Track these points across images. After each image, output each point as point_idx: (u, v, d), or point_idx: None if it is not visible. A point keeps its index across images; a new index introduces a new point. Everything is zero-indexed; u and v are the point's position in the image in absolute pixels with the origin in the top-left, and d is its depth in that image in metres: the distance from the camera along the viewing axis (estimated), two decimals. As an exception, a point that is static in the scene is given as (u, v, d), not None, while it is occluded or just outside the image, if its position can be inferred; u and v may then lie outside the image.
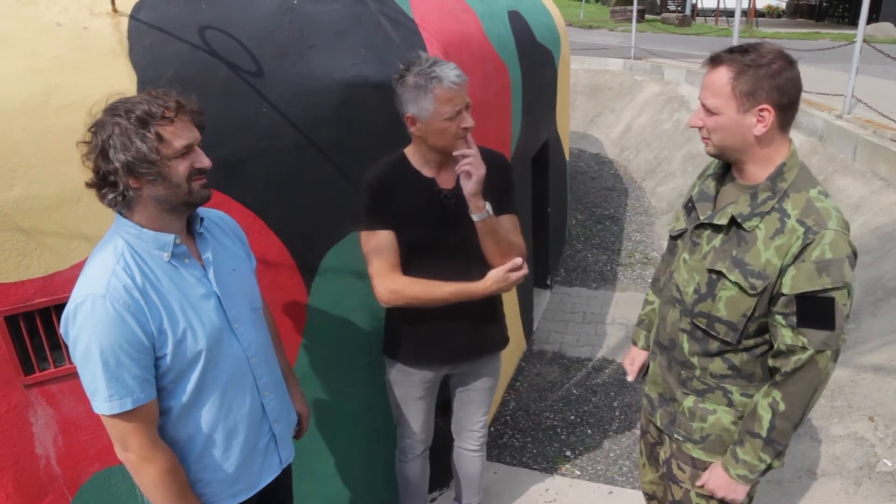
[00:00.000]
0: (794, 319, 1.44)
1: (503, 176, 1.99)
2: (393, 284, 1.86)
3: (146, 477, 1.46)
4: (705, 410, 1.66)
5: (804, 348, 1.43)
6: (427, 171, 1.90)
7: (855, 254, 1.45)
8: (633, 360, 2.04)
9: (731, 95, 1.44)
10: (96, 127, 1.36)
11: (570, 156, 8.42)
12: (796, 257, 1.42)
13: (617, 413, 3.47)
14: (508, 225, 1.94)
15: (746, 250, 1.50)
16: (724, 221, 1.55)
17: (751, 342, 1.56)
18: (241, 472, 1.65)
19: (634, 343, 2.05)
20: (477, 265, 1.89)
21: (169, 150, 1.37)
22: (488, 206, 1.80)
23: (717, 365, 1.62)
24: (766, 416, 1.52)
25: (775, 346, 1.49)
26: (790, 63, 1.44)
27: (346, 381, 2.33)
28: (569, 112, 5.81)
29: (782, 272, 1.44)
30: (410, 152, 1.92)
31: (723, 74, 1.45)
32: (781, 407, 1.49)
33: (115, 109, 1.36)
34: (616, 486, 2.90)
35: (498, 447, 3.21)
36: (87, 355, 1.36)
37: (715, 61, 1.48)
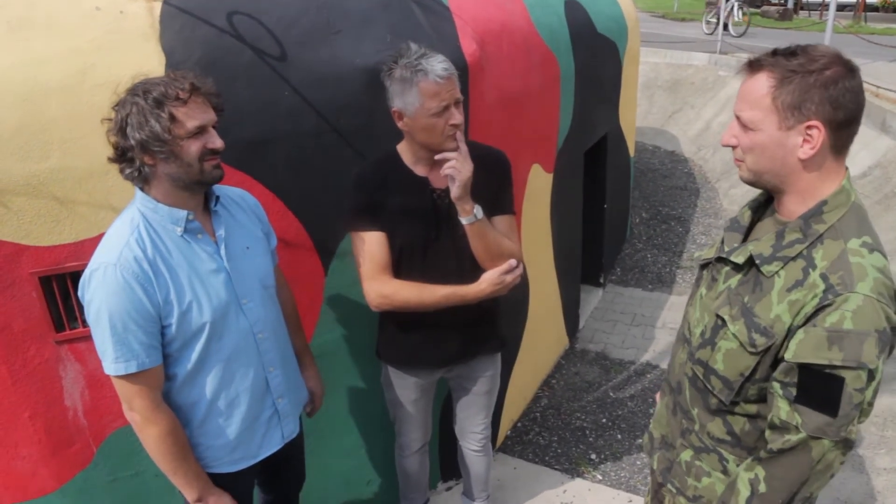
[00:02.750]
0: (792, 392, 1.20)
1: (500, 175, 1.90)
2: (383, 288, 1.81)
3: (148, 437, 1.56)
4: (700, 470, 1.47)
5: (797, 429, 1.19)
6: (419, 170, 1.84)
7: (894, 329, 1.17)
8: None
9: (771, 108, 1.19)
10: (118, 105, 1.45)
11: (643, 152, 8.15)
12: (808, 319, 1.17)
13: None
14: (503, 227, 1.87)
15: (759, 298, 1.27)
16: (740, 260, 1.32)
17: (752, 409, 1.34)
18: (242, 441, 1.72)
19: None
20: (470, 267, 1.82)
21: (181, 131, 1.44)
22: (477, 210, 1.73)
23: (717, 426, 1.41)
24: (744, 492, 1.30)
25: (770, 416, 1.26)
26: (850, 70, 1.16)
27: (362, 361, 2.38)
28: (635, 107, 5.61)
29: (791, 333, 1.21)
30: (402, 149, 1.86)
31: (762, 82, 1.20)
32: (761, 488, 1.27)
33: (135, 90, 1.45)
34: (637, 494, 2.82)
35: (522, 443, 3.18)
36: (98, 318, 1.47)
37: (754, 66, 1.23)
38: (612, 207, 4.83)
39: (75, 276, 1.89)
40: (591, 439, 3.22)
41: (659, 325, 4.40)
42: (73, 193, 1.79)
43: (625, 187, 5.46)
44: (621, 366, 3.92)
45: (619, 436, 3.24)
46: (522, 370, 3.28)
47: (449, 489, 2.84)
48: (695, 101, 8.77)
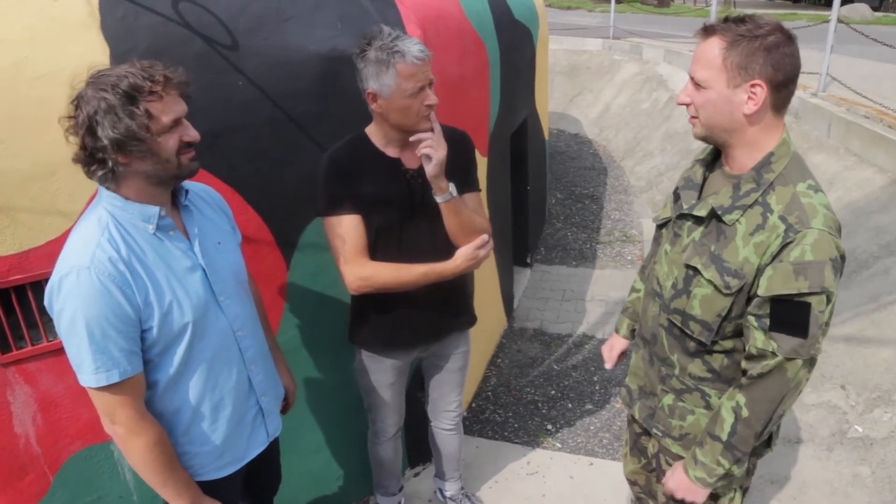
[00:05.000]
0: (766, 322, 1.35)
1: (466, 153, 1.95)
2: (362, 271, 1.81)
3: (134, 450, 1.46)
4: (684, 409, 1.60)
5: (774, 354, 1.34)
6: (391, 151, 1.84)
7: (842, 257, 1.33)
8: (612, 347, 1.98)
9: (721, 68, 1.32)
10: (79, 101, 1.32)
11: (549, 136, 8.44)
12: (774, 257, 1.32)
13: (597, 387, 3.52)
14: (472, 203, 1.92)
15: (725, 246, 1.40)
16: (703, 213, 1.45)
17: (729, 344, 1.48)
18: (229, 445, 1.65)
19: (617, 331, 1.98)
20: (444, 245, 1.86)
21: (158, 126, 1.35)
22: (452, 188, 1.76)
23: (697, 366, 1.54)
24: (728, 419, 1.44)
25: (747, 348, 1.40)
26: (789, 38, 1.31)
27: (328, 355, 2.34)
28: (547, 91, 5.81)
29: (760, 272, 1.34)
30: (372, 131, 1.85)
31: (714, 45, 1.33)
32: (744, 413, 1.41)
33: (99, 83, 1.32)
34: (597, 457, 2.96)
35: (480, 422, 3.24)
36: (73, 328, 1.35)
37: (707, 31, 1.36)
38: (534, 189, 4.99)
39: (20, 290, 1.74)
40: (544, 411, 3.33)
41: (588, 298, 4.61)
42: (14, 199, 1.64)
43: (542, 169, 5.65)
44: (560, 339, 4.07)
45: (570, 405, 3.37)
46: (472, 351, 3.33)
47: (417, 475, 2.85)
48: (593, 85, 9.19)
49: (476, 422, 3.25)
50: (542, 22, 4.92)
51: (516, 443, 3.08)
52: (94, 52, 1.66)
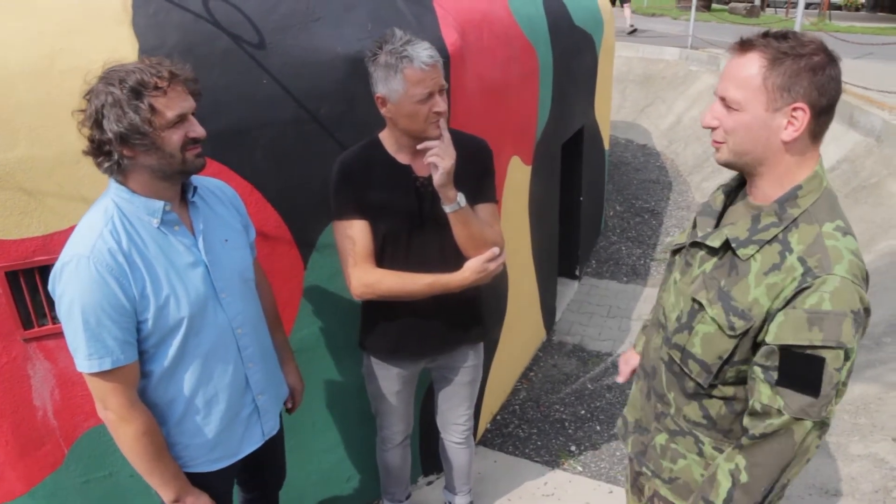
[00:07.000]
0: (773, 375, 1.21)
1: (482, 163, 1.90)
2: (367, 277, 1.80)
3: (123, 436, 1.51)
4: (676, 452, 1.49)
5: (780, 412, 1.20)
6: (402, 158, 1.82)
7: (867, 310, 1.19)
8: (627, 360, 1.87)
9: (760, 88, 1.20)
10: (90, 95, 1.38)
11: (615, 146, 8.22)
12: (788, 302, 1.19)
13: (629, 411, 3.38)
14: (484, 215, 1.87)
15: (735, 282, 1.28)
16: (717, 244, 1.33)
17: (729, 391, 1.35)
18: (221, 440, 1.67)
19: (634, 346, 1.89)
20: (453, 255, 1.82)
21: (162, 121, 1.38)
22: (460, 198, 1.72)
23: (693, 409, 1.42)
24: (725, 484, 1.30)
25: (751, 402, 1.26)
26: (833, 60, 1.19)
27: (341, 357, 2.34)
28: (610, 100, 5.64)
29: (770, 317, 1.22)
30: (385, 137, 1.84)
31: (753, 62, 1.20)
32: (743, 478, 1.27)
33: (109, 78, 1.37)
34: (617, 485, 2.83)
35: (502, 436, 3.18)
36: (70, 313, 1.41)
37: (745, 46, 1.23)
38: (588, 200, 4.86)
39: (44, 270, 1.82)
40: (570, 431, 3.23)
41: (634, 317, 4.44)
42: (42, 184, 1.71)
43: (600, 180, 5.49)
44: (598, 357, 3.94)
45: (598, 427, 3.26)
46: (501, 363, 3.27)
47: (430, 484, 2.82)
48: (666, 96, 8.87)
49: (498, 435, 3.18)
50: (607, 28, 4.78)
51: (536, 461, 3.00)
52: (123, 47, 1.71)
